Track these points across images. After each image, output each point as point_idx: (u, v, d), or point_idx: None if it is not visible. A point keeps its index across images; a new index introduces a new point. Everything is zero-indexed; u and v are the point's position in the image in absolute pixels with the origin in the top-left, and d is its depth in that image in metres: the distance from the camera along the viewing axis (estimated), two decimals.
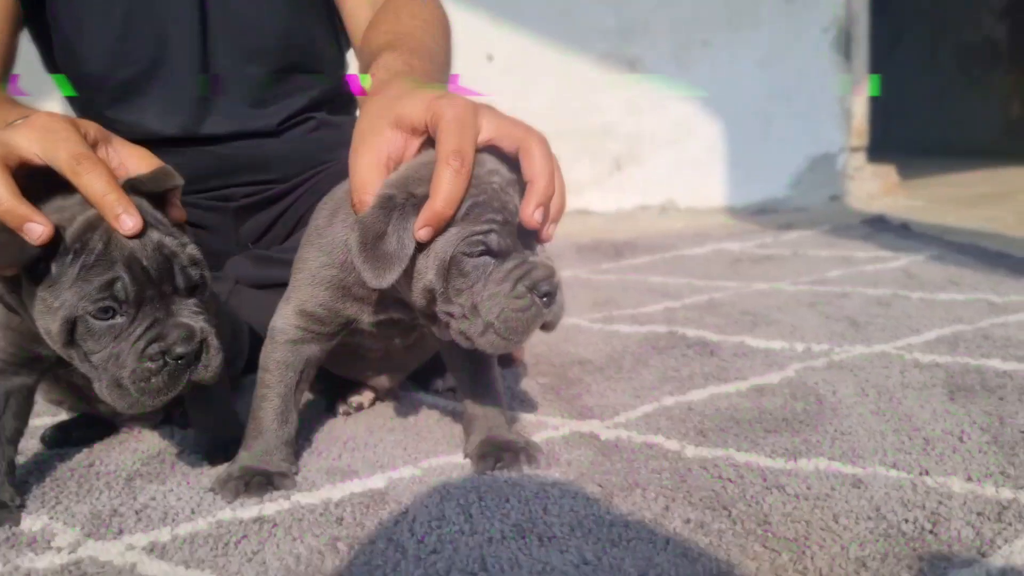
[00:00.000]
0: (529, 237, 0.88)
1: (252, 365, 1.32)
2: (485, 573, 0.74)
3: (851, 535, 0.76)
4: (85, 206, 0.83)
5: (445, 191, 0.83)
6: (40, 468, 1.02)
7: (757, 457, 0.96)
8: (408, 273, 0.87)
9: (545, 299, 0.85)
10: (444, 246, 0.85)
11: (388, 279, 0.84)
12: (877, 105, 4.28)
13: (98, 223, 0.82)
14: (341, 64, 1.62)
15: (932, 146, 6.63)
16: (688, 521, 0.81)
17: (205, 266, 0.89)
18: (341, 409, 1.21)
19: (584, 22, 4.13)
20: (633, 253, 2.81)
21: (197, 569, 0.76)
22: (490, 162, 0.88)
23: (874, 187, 4.12)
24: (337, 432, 1.13)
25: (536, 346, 1.54)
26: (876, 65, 4.27)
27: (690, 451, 0.99)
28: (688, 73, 4.19)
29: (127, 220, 0.83)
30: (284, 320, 1.01)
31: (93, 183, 0.85)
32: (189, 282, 0.86)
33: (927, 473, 0.88)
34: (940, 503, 0.81)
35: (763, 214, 3.92)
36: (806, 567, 0.71)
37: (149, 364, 0.81)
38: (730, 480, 0.90)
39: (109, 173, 0.88)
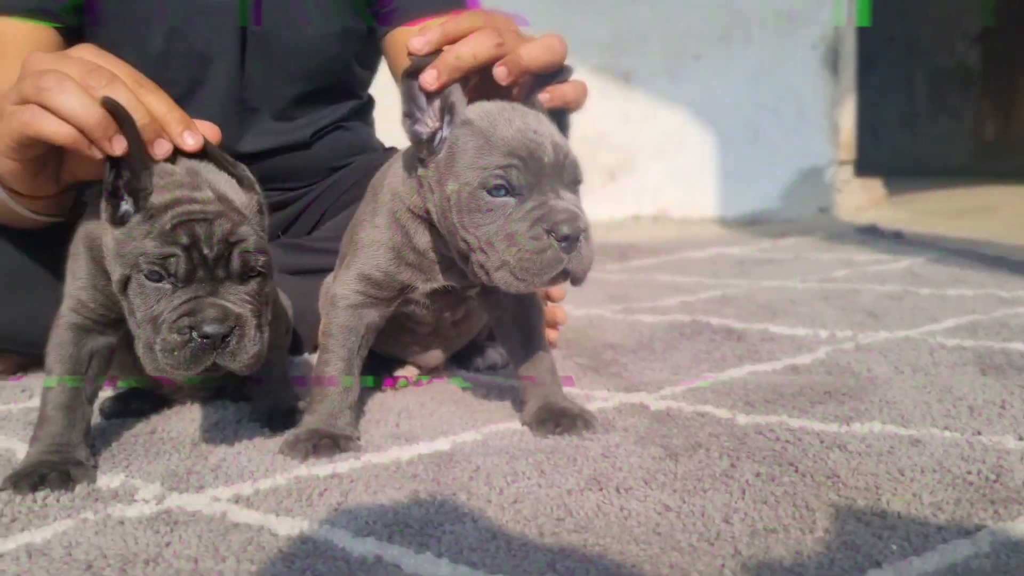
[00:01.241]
0: (560, 181, 0.89)
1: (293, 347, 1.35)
2: (571, 518, 0.75)
3: (920, 485, 0.79)
4: (184, 183, 0.85)
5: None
6: (104, 435, 1.02)
7: (810, 422, 0.99)
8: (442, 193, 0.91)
9: (564, 243, 0.86)
10: (467, 175, 0.88)
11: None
12: (858, 124, 4.39)
13: (177, 204, 0.83)
14: (369, 83, 1.66)
15: (906, 168, 6.80)
16: (758, 475, 0.84)
17: (270, 256, 0.88)
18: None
19: (579, 35, 4.20)
20: (638, 255, 2.85)
21: (287, 517, 0.76)
22: (533, 118, 0.91)
23: (862, 200, 4.23)
24: (390, 404, 1.14)
25: (565, 332, 1.56)
26: (857, 84, 4.39)
27: (742, 419, 1.02)
28: (680, 86, 4.28)
29: (189, 138, 0.87)
30: (345, 286, 1.03)
31: (154, 103, 0.87)
32: (246, 267, 0.85)
33: (980, 433, 0.91)
34: (999, 457, 0.84)
35: (754, 224, 4.00)
36: (883, 510, 0.74)
37: (176, 336, 0.80)
38: (788, 442, 0.93)
39: (168, 96, 0.90)
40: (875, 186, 4.33)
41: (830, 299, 1.85)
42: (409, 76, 0.91)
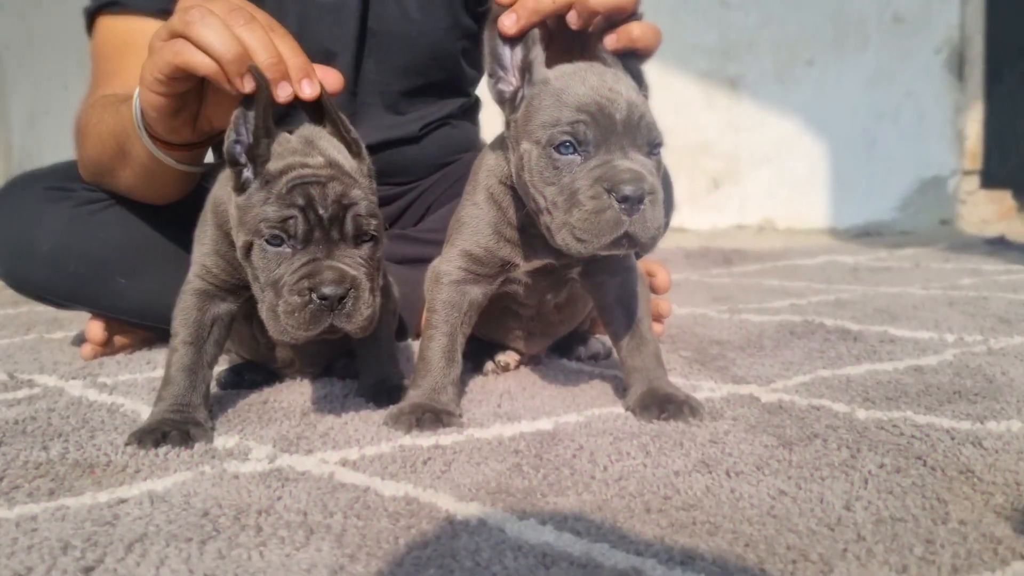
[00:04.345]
0: (631, 142, 0.87)
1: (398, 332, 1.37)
2: (679, 496, 0.73)
3: None
4: (298, 150, 0.87)
5: None
6: (220, 403, 1.07)
7: (939, 419, 0.92)
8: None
9: (625, 204, 0.83)
10: (538, 133, 0.88)
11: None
12: (985, 132, 4.10)
13: (291, 169, 0.86)
14: (476, 83, 1.68)
15: None
16: (882, 466, 0.79)
17: (381, 220, 0.90)
18: (489, 367, 1.22)
19: (686, 40, 4.14)
20: (743, 261, 2.77)
21: (392, 481, 0.77)
22: (611, 76, 0.90)
23: (988, 212, 3.96)
24: (491, 387, 1.14)
25: (669, 328, 1.53)
26: (985, 91, 4.11)
27: (862, 414, 0.96)
28: (791, 92, 4.14)
29: (306, 87, 0.91)
30: (449, 263, 1.04)
31: (282, 47, 0.91)
32: (359, 230, 0.87)
33: None
34: None
35: (868, 236, 3.81)
36: None
37: (296, 298, 0.82)
38: (915, 437, 0.87)
39: (296, 43, 0.93)
40: (1004, 198, 4.04)
41: (955, 305, 1.73)
42: (492, 24, 0.92)
